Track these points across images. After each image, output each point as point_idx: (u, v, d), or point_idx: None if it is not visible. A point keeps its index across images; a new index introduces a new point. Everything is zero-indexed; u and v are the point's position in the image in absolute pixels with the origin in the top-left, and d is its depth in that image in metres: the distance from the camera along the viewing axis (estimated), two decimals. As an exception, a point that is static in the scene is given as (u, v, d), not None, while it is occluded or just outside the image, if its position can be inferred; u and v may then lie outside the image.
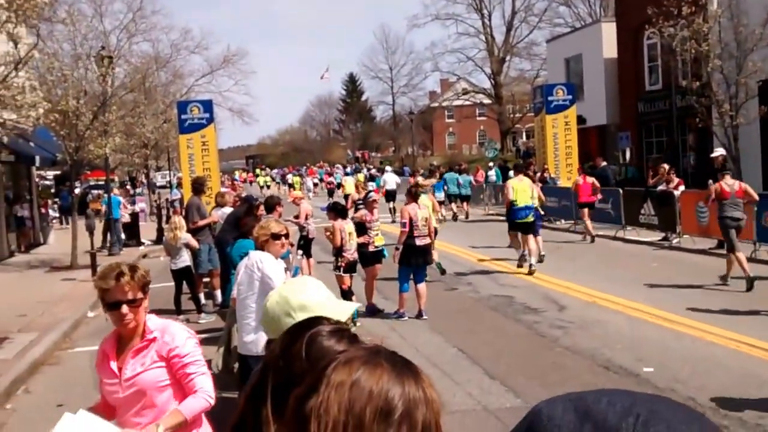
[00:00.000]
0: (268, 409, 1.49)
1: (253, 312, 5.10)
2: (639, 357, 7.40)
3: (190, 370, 3.02)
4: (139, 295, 2.95)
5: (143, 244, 20.67)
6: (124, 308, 2.90)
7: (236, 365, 5.73)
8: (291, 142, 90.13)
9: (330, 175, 45.38)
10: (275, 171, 66.31)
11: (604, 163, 25.46)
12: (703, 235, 14.66)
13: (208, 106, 19.59)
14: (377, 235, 10.08)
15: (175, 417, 2.95)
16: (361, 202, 20.43)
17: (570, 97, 22.21)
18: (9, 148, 15.54)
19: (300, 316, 1.98)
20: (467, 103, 57.57)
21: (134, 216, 22.40)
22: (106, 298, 2.92)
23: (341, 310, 2.04)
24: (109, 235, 20.19)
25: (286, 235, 5.31)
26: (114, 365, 3.02)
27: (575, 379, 6.79)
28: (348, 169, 52.12)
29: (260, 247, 5.12)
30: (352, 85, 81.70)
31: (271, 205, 8.36)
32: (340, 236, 9.40)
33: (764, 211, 13.23)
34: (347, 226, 9.64)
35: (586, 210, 16.89)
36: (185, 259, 10.30)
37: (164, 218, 23.02)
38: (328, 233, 9.65)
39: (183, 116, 19.06)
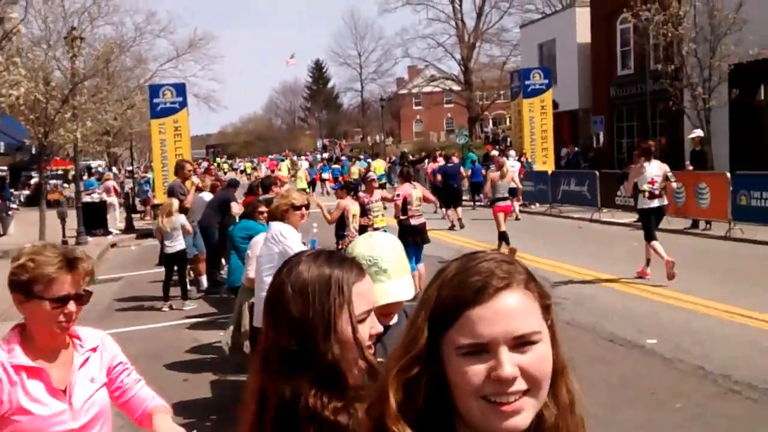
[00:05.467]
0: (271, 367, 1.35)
1: (272, 285, 4.96)
2: (639, 329, 7.47)
3: (137, 375, 2.48)
4: (83, 290, 2.20)
5: (111, 233, 20.14)
6: (72, 305, 2.14)
7: (246, 344, 5.62)
8: (254, 131, 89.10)
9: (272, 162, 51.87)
10: (223, 160, 72.06)
11: (577, 149, 25.96)
12: (679, 215, 14.91)
13: (181, 89, 19.17)
14: (377, 216, 9.85)
15: (167, 414, 2.44)
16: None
17: (546, 81, 22.30)
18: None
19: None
20: (436, 89, 57.58)
21: (101, 204, 21.82)
22: (46, 291, 2.10)
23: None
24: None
25: (307, 206, 5.19)
26: (53, 387, 2.17)
27: (583, 352, 6.82)
28: (314, 156, 52.57)
29: (280, 217, 4.98)
30: (319, 71, 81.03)
31: (268, 185, 8.21)
32: (338, 215, 9.27)
33: (738, 191, 13.64)
34: (353, 207, 9.48)
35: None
36: (181, 242, 9.99)
37: (130, 207, 22.63)
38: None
39: (155, 100, 18.59)
